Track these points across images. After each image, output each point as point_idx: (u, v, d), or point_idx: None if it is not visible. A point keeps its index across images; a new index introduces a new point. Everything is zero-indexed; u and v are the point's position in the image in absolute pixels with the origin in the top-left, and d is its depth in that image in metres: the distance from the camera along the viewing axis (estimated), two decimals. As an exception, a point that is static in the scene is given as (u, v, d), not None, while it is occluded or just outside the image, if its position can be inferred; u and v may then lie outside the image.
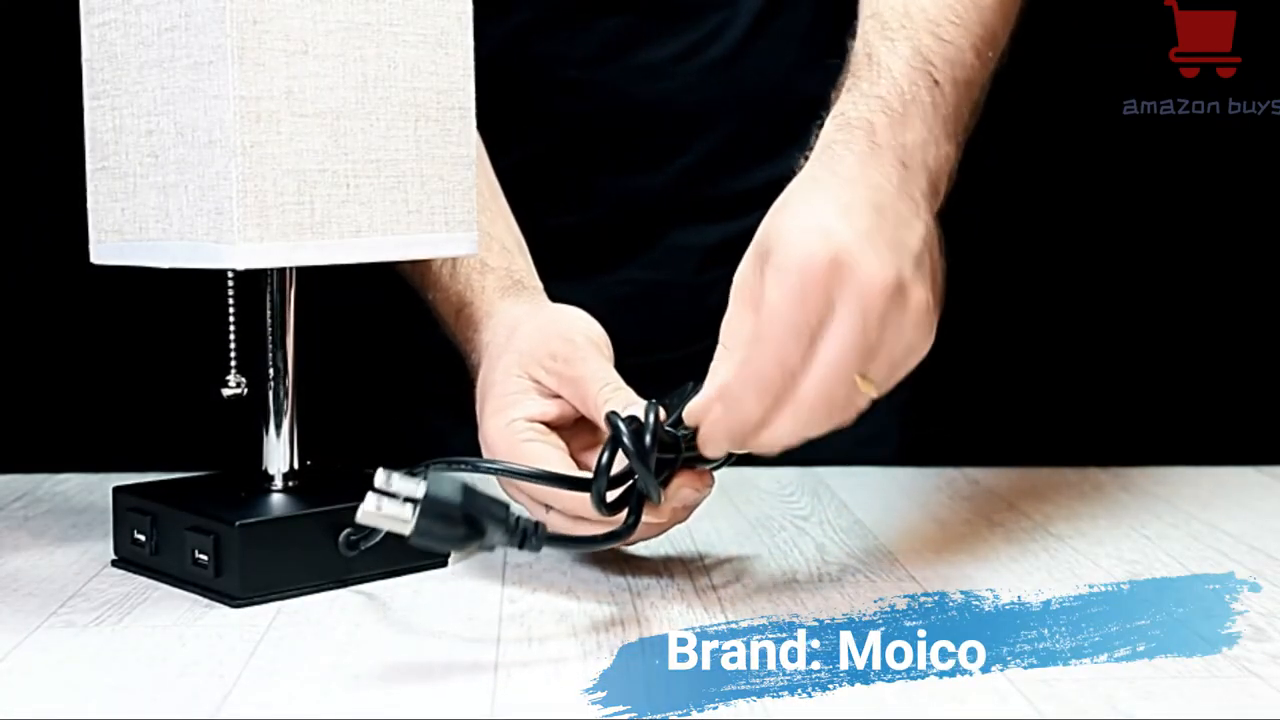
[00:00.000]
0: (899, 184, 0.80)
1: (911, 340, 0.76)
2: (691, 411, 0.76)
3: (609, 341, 0.85)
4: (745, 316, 0.76)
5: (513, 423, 0.82)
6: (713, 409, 0.75)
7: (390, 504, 0.68)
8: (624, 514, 0.76)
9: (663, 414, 0.76)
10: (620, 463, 0.75)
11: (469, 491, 0.69)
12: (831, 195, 0.77)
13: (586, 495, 0.75)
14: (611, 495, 0.76)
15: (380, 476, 0.68)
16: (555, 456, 0.80)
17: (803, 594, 0.79)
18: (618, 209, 1.14)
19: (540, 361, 0.83)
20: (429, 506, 0.68)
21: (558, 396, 0.82)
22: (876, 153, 0.81)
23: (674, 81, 1.11)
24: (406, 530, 0.68)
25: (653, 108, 1.11)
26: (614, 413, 0.75)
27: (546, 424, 0.82)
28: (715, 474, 0.79)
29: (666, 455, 0.76)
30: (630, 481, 0.76)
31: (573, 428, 0.83)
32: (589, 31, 1.10)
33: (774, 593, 0.80)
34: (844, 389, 0.74)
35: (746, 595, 0.79)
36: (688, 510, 0.80)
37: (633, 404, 0.78)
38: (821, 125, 0.84)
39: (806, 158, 0.82)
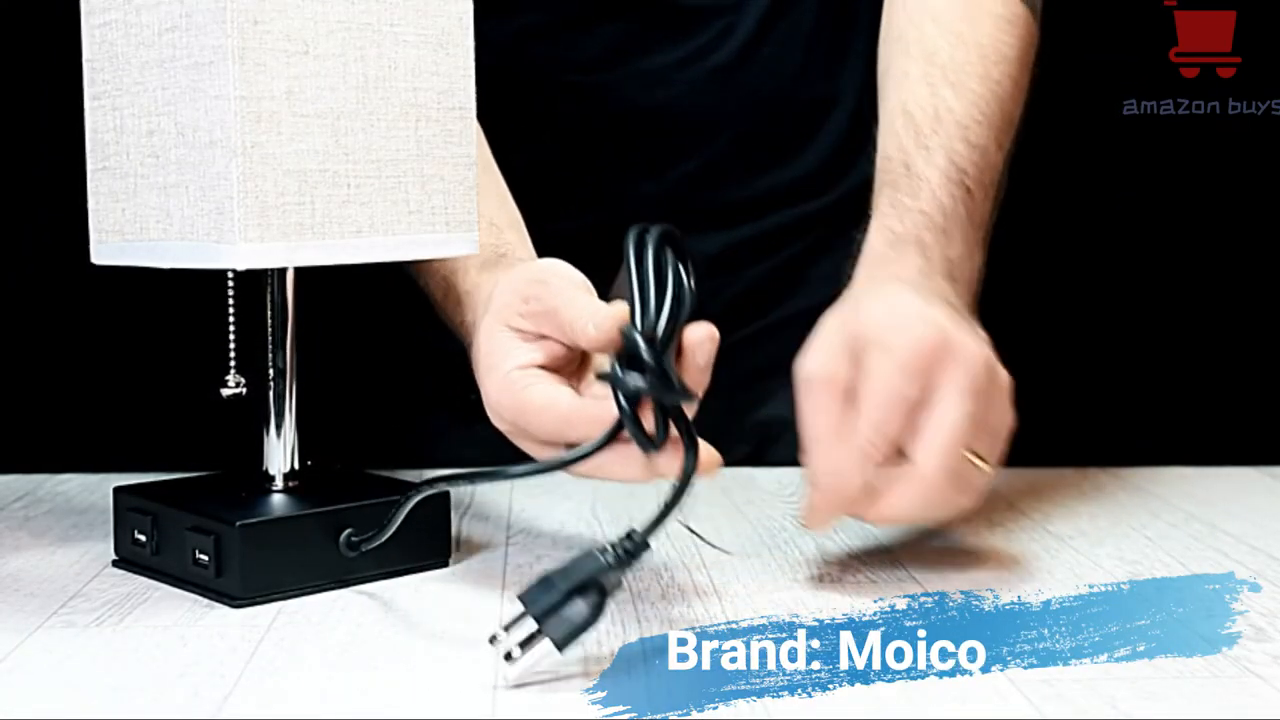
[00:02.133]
0: (953, 295, 0.85)
1: (1005, 418, 0.80)
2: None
3: (589, 284, 0.81)
4: (832, 408, 0.78)
5: (508, 374, 0.79)
6: (817, 480, 0.78)
7: (517, 641, 0.66)
8: (676, 443, 0.74)
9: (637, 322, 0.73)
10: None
11: (560, 574, 0.68)
12: (913, 292, 0.82)
13: (630, 450, 0.74)
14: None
15: (496, 634, 0.67)
16: (562, 393, 0.77)
17: (803, 594, 0.79)
18: (619, 215, 1.13)
19: (515, 309, 0.80)
20: (548, 617, 0.67)
21: (542, 338, 0.79)
22: (930, 267, 0.87)
23: (677, 87, 1.11)
24: (556, 652, 0.67)
25: (655, 114, 1.11)
26: (612, 372, 0.73)
27: (541, 368, 0.79)
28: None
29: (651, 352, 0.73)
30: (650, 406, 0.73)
31: (572, 369, 0.81)
32: (592, 36, 1.10)
33: (774, 593, 0.80)
34: (959, 461, 0.77)
35: (747, 595, 0.79)
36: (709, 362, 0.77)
37: (599, 311, 0.75)
38: (862, 230, 0.90)
39: (853, 261, 0.88)
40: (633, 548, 0.70)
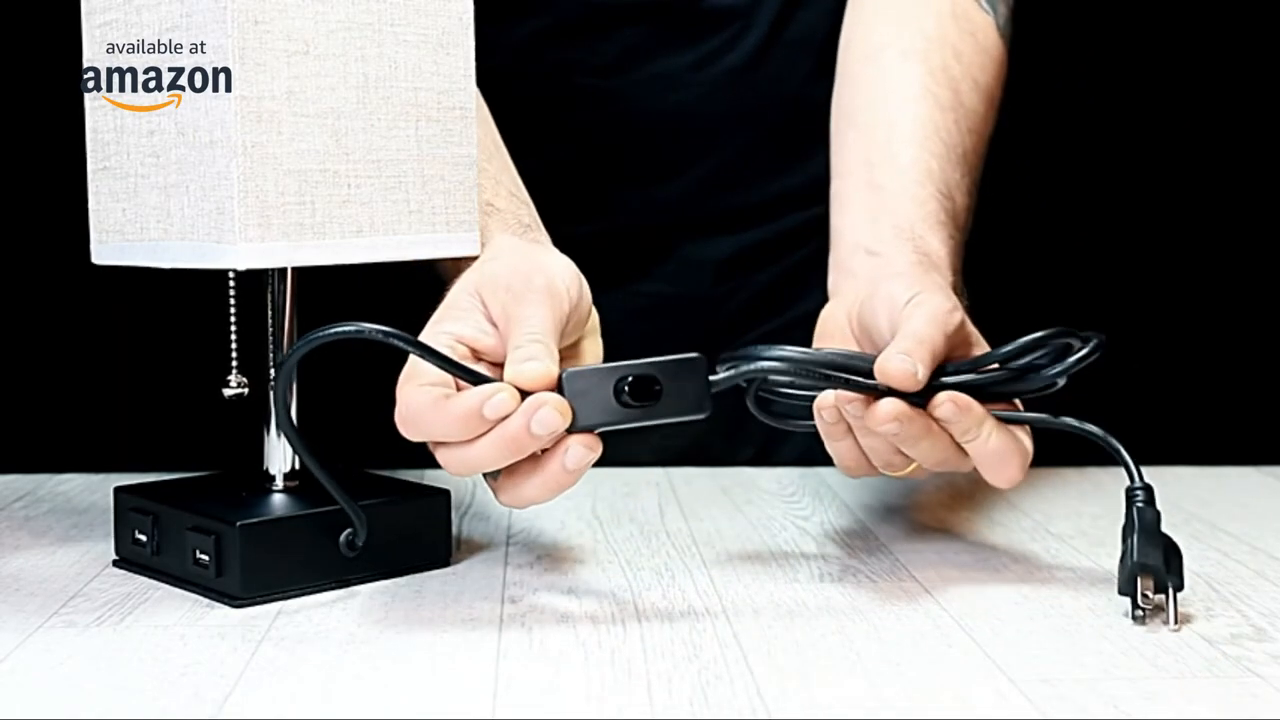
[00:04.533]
0: None
1: None
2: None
3: (576, 301, 0.80)
4: None
5: (438, 335, 0.77)
6: None
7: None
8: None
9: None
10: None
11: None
12: None
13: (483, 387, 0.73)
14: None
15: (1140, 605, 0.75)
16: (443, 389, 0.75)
17: (803, 594, 0.80)
18: (632, 220, 1.13)
19: (496, 289, 0.78)
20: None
21: (495, 327, 0.78)
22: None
23: (690, 91, 1.11)
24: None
25: (668, 117, 1.11)
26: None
27: (476, 350, 0.77)
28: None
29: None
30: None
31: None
32: (605, 40, 1.10)
33: (774, 593, 0.80)
34: None
35: (747, 595, 0.79)
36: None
37: (531, 359, 0.73)
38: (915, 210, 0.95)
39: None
40: None
